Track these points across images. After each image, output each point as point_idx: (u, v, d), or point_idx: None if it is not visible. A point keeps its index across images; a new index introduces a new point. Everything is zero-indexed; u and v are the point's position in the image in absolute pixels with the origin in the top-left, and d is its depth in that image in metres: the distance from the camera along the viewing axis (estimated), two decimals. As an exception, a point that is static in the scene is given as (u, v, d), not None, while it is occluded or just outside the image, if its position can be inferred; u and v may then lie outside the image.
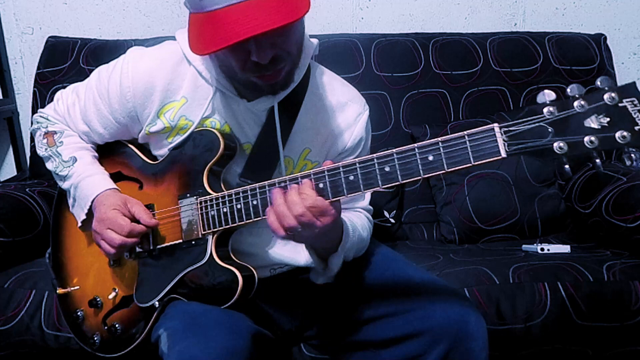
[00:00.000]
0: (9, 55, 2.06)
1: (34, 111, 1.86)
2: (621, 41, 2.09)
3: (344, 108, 1.10)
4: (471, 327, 0.94)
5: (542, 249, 1.48)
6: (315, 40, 1.08)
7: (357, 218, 1.10)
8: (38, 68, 1.87)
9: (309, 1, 0.85)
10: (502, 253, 1.48)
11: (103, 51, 1.85)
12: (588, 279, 1.26)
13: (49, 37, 1.91)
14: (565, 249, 1.48)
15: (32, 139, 1.86)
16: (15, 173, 2.10)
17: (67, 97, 1.14)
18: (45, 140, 1.14)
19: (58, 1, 2.02)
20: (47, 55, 1.87)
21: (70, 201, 1.13)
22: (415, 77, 1.84)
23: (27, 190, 1.55)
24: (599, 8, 2.07)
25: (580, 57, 1.87)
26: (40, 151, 1.16)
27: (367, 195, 1.15)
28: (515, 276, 1.28)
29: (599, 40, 1.90)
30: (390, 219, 1.71)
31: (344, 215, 1.03)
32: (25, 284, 1.31)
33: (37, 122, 1.17)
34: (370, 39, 1.88)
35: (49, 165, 1.14)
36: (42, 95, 1.84)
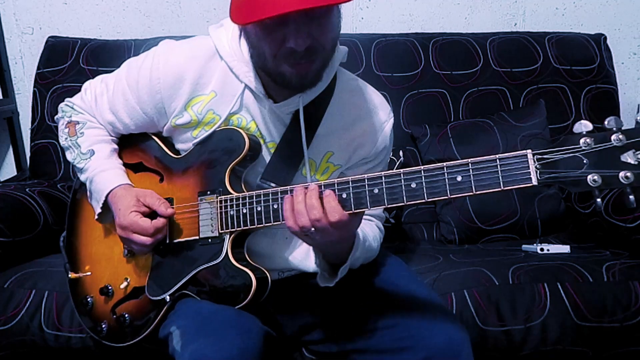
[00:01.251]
0: (9, 55, 2.06)
1: (34, 111, 1.85)
2: (621, 41, 2.09)
3: (370, 114, 1.09)
4: (462, 358, 0.95)
5: (542, 249, 1.48)
6: (344, 48, 1.08)
7: (369, 228, 1.10)
8: (38, 68, 1.87)
9: None
10: (502, 253, 1.48)
11: (103, 51, 1.85)
12: (588, 279, 1.26)
13: (49, 37, 1.91)
14: (565, 249, 1.48)
15: (32, 139, 1.86)
16: (15, 173, 2.10)
17: (96, 87, 1.15)
18: (67, 130, 1.15)
19: (58, 1, 2.02)
20: (47, 55, 1.87)
21: (87, 194, 1.14)
22: (415, 77, 1.84)
23: (27, 190, 1.55)
24: (599, 8, 2.07)
25: (580, 57, 1.86)
26: (62, 140, 1.17)
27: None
28: (515, 277, 1.28)
29: (599, 40, 1.90)
30: (390, 219, 1.71)
31: None
32: (25, 284, 1.31)
33: (62, 111, 1.18)
34: (370, 39, 1.88)
35: (69, 156, 1.15)
36: (42, 95, 1.84)
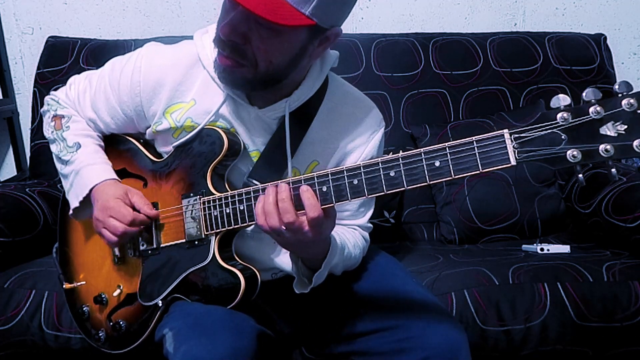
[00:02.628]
0: (9, 55, 2.06)
1: (34, 111, 1.86)
2: (621, 41, 2.09)
3: (359, 124, 1.07)
4: (461, 359, 0.95)
5: (542, 249, 1.48)
6: (335, 52, 1.07)
7: (350, 235, 1.08)
8: (38, 68, 1.87)
9: (303, 30, 0.87)
10: (502, 253, 1.48)
11: (103, 51, 1.85)
12: (588, 279, 1.26)
13: (49, 37, 1.91)
14: (565, 249, 1.48)
15: (32, 139, 1.86)
16: (15, 173, 2.10)
17: (80, 84, 1.15)
18: (53, 123, 1.15)
19: (58, 1, 2.02)
20: (47, 55, 1.87)
21: (66, 186, 1.12)
22: (415, 77, 1.84)
23: (27, 190, 1.55)
24: (599, 8, 2.07)
25: (580, 57, 1.86)
26: (47, 133, 1.16)
27: (368, 213, 1.13)
28: (515, 277, 1.28)
29: (599, 40, 1.90)
30: (390, 219, 1.70)
31: (336, 231, 1.00)
32: (25, 284, 1.31)
33: (48, 104, 1.18)
34: (370, 39, 1.88)
35: (53, 148, 1.14)
36: (42, 95, 1.83)
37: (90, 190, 1.06)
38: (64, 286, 1.17)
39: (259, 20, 0.84)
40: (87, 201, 1.07)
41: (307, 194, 0.84)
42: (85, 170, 1.08)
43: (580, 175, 0.72)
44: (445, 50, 1.86)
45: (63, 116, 1.14)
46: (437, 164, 0.77)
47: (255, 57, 0.90)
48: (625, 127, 0.67)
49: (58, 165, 1.15)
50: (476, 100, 1.84)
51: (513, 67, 1.85)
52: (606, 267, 1.30)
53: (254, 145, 1.05)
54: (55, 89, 1.20)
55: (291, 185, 0.87)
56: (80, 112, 1.14)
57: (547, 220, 1.67)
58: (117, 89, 1.07)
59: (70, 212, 1.10)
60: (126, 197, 1.03)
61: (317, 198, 0.84)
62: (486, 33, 1.91)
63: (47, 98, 1.19)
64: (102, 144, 1.15)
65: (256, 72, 0.92)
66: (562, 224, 1.69)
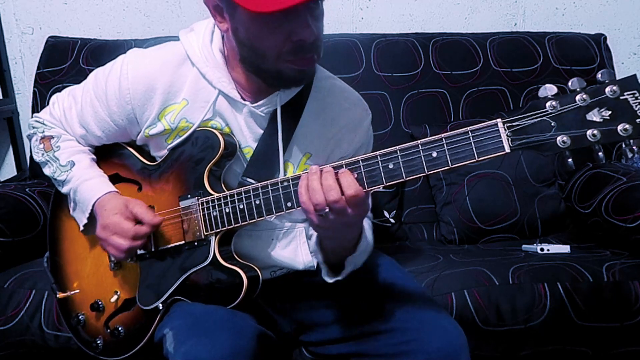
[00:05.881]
0: (9, 55, 2.06)
1: (34, 111, 1.86)
2: (621, 41, 2.09)
3: (347, 112, 1.09)
4: None
5: (542, 249, 1.48)
6: None
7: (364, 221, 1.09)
8: (38, 68, 1.87)
9: None
10: (502, 253, 1.48)
11: (103, 51, 1.85)
12: (588, 279, 1.26)
13: (49, 37, 1.91)
14: (565, 249, 1.49)
15: (32, 140, 1.87)
16: (15, 173, 2.10)
17: (64, 101, 1.13)
18: (41, 146, 1.13)
19: (58, 1, 2.02)
20: (47, 55, 1.87)
21: (70, 205, 1.12)
22: (415, 77, 1.84)
23: (27, 190, 1.55)
24: (599, 8, 2.07)
25: (580, 57, 1.87)
26: (37, 156, 1.14)
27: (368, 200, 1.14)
28: (515, 277, 1.28)
29: (599, 40, 1.90)
30: (390, 219, 1.71)
31: None
32: (25, 284, 1.31)
33: (33, 127, 1.16)
34: (370, 39, 1.88)
35: (47, 171, 1.13)
36: (42, 95, 1.84)
37: (93, 206, 1.05)
38: (57, 296, 1.15)
39: (314, 5, 0.88)
40: (93, 216, 1.07)
41: (343, 174, 0.84)
42: (83, 186, 1.07)
43: (570, 160, 0.76)
44: (445, 50, 1.86)
45: (52, 137, 1.13)
46: (435, 154, 0.81)
47: (320, 36, 0.92)
48: (610, 112, 0.72)
49: (57, 187, 1.14)
50: (476, 100, 1.84)
51: (513, 67, 1.85)
52: (606, 267, 1.30)
53: (246, 141, 1.05)
54: (38, 111, 1.19)
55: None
56: (68, 129, 1.13)
57: (547, 220, 1.67)
58: (104, 100, 1.05)
59: (81, 228, 1.10)
60: (126, 209, 1.01)
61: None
62: (486, 33, 1.92)
63: (30, 121, 1.17)
64: (94, 156, 1.13)
65: (319, 58, 0.95)
66: (562, 224, 1.69)
